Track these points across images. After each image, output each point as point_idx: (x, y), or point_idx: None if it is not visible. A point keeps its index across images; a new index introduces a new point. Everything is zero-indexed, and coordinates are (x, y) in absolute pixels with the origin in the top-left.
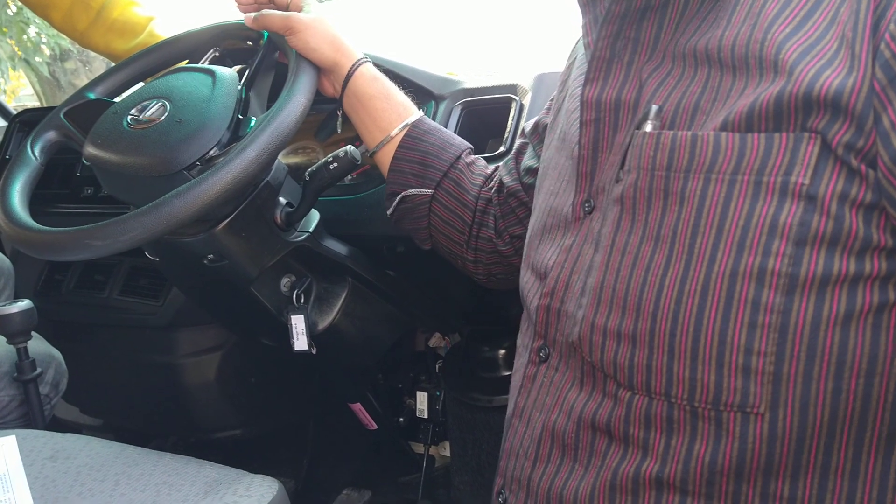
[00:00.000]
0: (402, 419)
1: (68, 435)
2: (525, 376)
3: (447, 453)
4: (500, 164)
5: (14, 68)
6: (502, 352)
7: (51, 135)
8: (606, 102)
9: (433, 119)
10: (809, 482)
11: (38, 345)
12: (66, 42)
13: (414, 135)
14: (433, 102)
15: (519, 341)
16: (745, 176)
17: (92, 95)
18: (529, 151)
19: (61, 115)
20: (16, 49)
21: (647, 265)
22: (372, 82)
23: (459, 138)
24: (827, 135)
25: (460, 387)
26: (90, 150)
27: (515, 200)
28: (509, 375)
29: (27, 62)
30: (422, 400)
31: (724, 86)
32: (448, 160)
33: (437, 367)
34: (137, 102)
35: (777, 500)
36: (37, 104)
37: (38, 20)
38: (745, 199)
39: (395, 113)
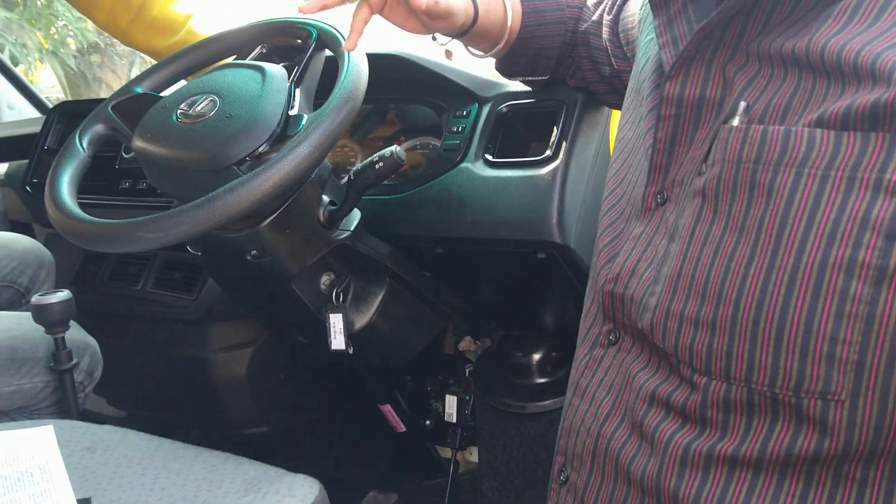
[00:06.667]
0: (428, 422)
1: (105, 426)
2: (591, 358)
3: (473, 458)
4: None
5: (42, 61)
6: (536, 357)
7: (98, 128)
8: (689, 99)
9: (476, 122)
10: (882, 465)
11: (73, 332)
12: (93, 35)
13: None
14: (476, 104)
15: (582, 324)
16: (839, 171)
17: (139, 89)
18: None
19: (109, 109)
20: (43, 41)
21: (731, 254)
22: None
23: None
24: None
25: (492, 392)
26: (139, 143)
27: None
28: (543, 382)
29: (54, 54)
30: (451, 404)
31: (819, 89)
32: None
33: (466, 370)
34: (187, 97)
35: (849, 482)
36: (61, 96)
37: (67, 14)
38: (837, 194)
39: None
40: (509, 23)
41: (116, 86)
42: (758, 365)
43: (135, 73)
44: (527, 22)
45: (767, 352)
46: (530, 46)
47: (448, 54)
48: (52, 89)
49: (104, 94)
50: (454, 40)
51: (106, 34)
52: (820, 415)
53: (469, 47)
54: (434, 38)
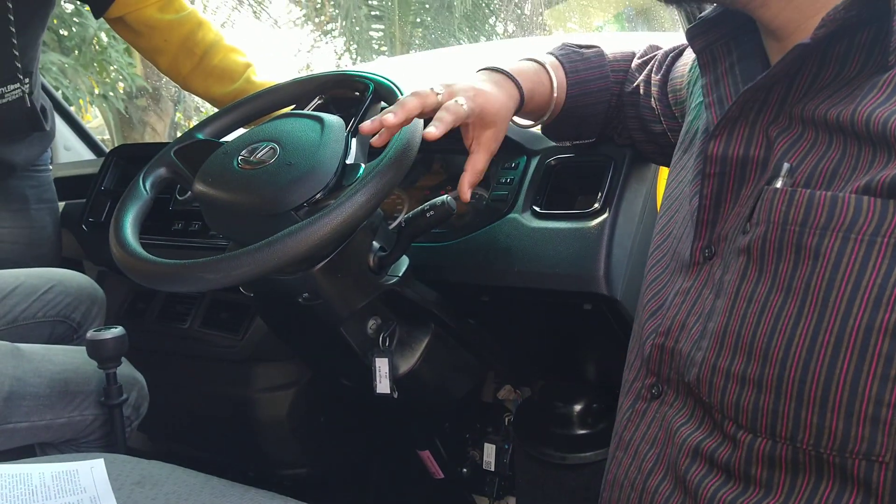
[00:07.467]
0: (465, 469)
1: (153, 462)
2: (634, 411)
3: None
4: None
5: (92, 103)
6: (577, 408)
7: (161, 171)
8: (733, 158)
9: (524, 174)
10: None
11: (123, 368)
12: (140, 79)
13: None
14: (525, 157)
15: (625, 377)
16: (885, 238)
17: (200, 136)
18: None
19: (171, 154)
20: (95, 85)
21: (777, 314)
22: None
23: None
24: None
25: (532, 441)
26: (200, 187)
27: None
28: (584, 434)
29: (104, 98)
30: (489, 452)
31: (864, 158)
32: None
33: (505, 419)
34: (248, 144)
35: None
36: (105, 136)
37: (121, 59)
38: (883, 260)
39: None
40: (555, 95)
41: (160, 128)
42: (803, 424)
43: (178, 117)
44: (571, 93)
45: (813, 411)
46: (575, 115)
47: None
48: (95, 129)
49: (148, 136)
50: None
51: (152, 79)
52: (864, 475)
53: (517, 118)
54: None
